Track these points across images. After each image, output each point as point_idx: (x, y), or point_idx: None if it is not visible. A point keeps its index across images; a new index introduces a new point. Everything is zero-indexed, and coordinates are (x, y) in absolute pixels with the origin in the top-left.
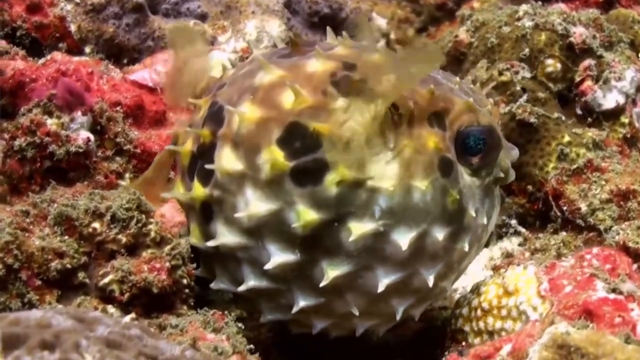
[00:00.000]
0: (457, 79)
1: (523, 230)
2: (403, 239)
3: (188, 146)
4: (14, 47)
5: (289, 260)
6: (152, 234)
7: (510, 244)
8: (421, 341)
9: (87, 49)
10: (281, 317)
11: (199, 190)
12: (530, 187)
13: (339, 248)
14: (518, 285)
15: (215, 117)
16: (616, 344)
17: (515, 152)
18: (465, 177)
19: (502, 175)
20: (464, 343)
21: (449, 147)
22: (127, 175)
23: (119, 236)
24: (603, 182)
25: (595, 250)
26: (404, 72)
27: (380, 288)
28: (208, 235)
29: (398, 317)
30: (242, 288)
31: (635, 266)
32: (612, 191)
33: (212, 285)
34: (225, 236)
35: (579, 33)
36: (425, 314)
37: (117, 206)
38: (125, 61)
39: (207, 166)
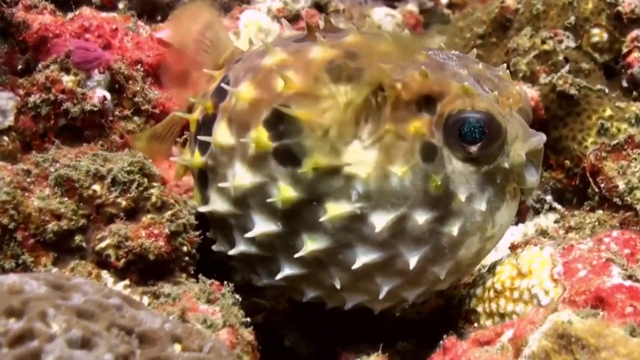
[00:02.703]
0: (481, 65)
1: (559, 206)
2: (379, 221)
3: (196, 114)
4: (43, 1)
5: (271, 230)
6: (153, 199)
7: (546, 220)
8: (438, 319)
9: (121, 5)
10: (273, 282)
11: (197, 158)
12: (568, 162)
13: (317, 224)
14: (532, 266)
15: (221, 90)
16: (619, 336)
17: (535, 140)
18: (455, 162)
19: (507, 165)
20: (475, 324)
21: (434, 132)
22: None
23: (119, 199)
24: None
25: (615, 233)
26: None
27: (357, 265)
28: (205, 200)
29: (381, 296)
30: (233, 252)
31: None
32: None
33: (214, 247)
34: (217, 203)
35: (628, 2)
36: (446, 290)
37: (118, 169)
38: (159, 18)
39: (202, 137)
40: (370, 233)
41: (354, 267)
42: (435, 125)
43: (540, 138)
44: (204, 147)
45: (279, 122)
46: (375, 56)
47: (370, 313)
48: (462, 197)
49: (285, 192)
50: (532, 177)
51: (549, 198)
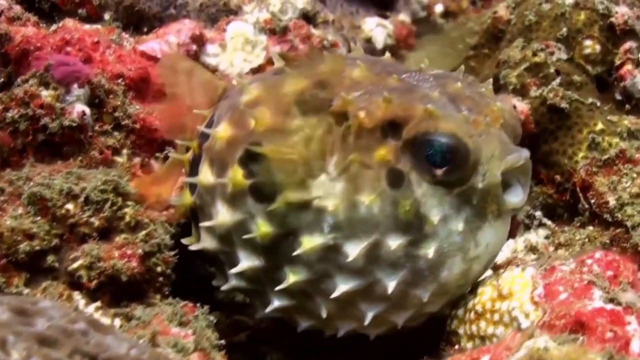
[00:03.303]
0: (460, 84)
1: (549, 222)
2: (352, 250)
3: (189, 154)
4: (26, 13)
5: (255, 265)
6: (127, 218)
7: (537, 236)
8: (423, 340)
9: (107, 16)
10: (268, 314)
11: (188, 198)
12: (558, 177)
13: (296, 257)
14: (513, 288)
15: (204, 131)
16: None
17: (512, 158)
18: (425, 186)
19: (481, 186)
20: (457, 346)
21: (400, 158)
22: (124, 151)
23: (92, 219)
24: (634, 175)
25: (597, 254)
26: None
27: (336, 294)
28: (198, 238)
29: (366, 322)
30: (225, 287)
31: None
32: None
33: (213, 283)
34: (206, 241)
35: (621, 13)
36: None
37: (91, 187)
38: (145, 30)
39: (186, 179)
40: (346, 262)
41: (334, 295)
42: (401, 150)
43: (518, 155)
44: (193, 186)
45: (251, 160)
46: (345, 84)
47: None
48: (435, 219)
49: (262, 227)
50: (515, 197)
51: (538, 214)
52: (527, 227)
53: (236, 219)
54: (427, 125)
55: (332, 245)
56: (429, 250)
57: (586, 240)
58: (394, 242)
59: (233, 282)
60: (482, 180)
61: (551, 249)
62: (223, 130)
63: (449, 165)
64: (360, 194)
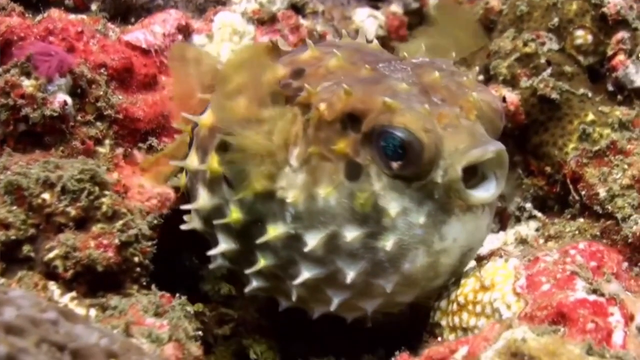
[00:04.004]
0: (438, 73)
1: (539, 214)
2: (311, 240)
3: (187, 139)
4: (12, 3)
5: (231, 248)
6: (104, 208)
7: (527, 228)
8: (408, 331)
9: (94, 6)
10: (251, 292)
11: (183, 180)
12: (549, 169)
13: (265, 243)
14: (495, 279)
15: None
16: (575, 355)
17: (476, 152)
18: (385, 179)
19: (439, 180)
20: (439, 338)
21: (359, 151)
22: (107, 142)
23: (68, 208)
24: (625, 166)
25: (581, 245)
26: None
27: (300, 280)
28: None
29: (332, 308)
30: (212, 265)
31: (626, 264)
32: (635, 176)
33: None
34: (194, 221)
35: (613, 3)
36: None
37: (68, 177)
38: (132, 20)
39: (174, 162)
40: (307, 251)
41: (297, 282)
42: (360, 143)
43: (483, 149)
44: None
45: (226, 148)
46: (320, 74)
47: (341, 324)
48: (393, 212)
49: (234, 214)
50: (485, 192)
51: (528, 206)
52: (518, 220)
53: (213, 203)
54: (383, 118)
55: (294, 235)
56: (388, 243)
57: (576, 232)
58: (350, 234)
59: (218, 261)
60: (443, 174)
61: (541, 241)
62: (206, 118)
63: (404, 159)
64: (318, 186)
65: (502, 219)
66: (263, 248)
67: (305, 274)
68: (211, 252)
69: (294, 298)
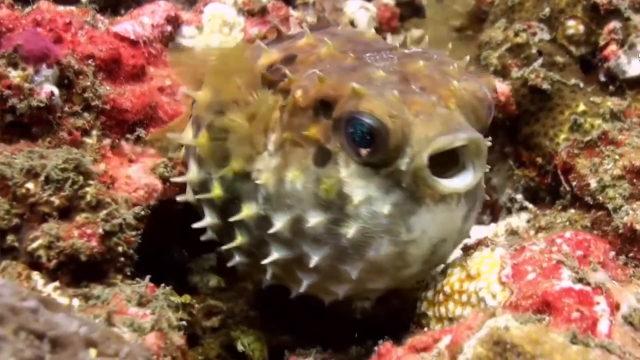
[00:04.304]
0: (423, 62)
1: (530, 205)
2: (278, 222)
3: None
4: None
5: (214, 222)
6: (88, 198)
7: (519, 219)
8: (396, 322)
9: None
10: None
11: (182, 153)
12: (540, 159)
13: (241, 221)
14: (481, 269)
15: None
16: (558, 343)
17: (442, 140)
18: (353, 166)
19: (404, 168)
20: (426, 329)
21: (330, 137)
22: (94, 132)
23: (52, 198)
24: (617, 157)
25: (568, 234)
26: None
27: (269, 259)
28: None
29: (302, 290)
30: (203, 237)
31: (613, 254)
32: (626, 167)
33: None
34: (189, 194)
35: None
36: (406, 292)
37: (52, 166)
38: (122, 12)
39: (171, 135)
40: (275, 232)
41: (267, 261)
42: (332, 130)
43: (452, 137)
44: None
45: (214, 126)
46: (310, 61)
47: (329, 316)
48: (356, 200)
49: (216, 190)
50: (455, 182)
51: (519, 197)
52: (509, 211)
53: (201, 177)
54: (351, 105)
55: (264, 216)
56: (350, 230)
57: (567, 223)
58: (314, 219)
59: (208, 234)
60: (409, 162)
61: (532, 232)
62: (203, 94)
63: (372, 146)
64: (287, 170)
65: (494, 211)
66: (239, 226)
67: (275, 254)
68: (197, 225)
69: (268, 276)
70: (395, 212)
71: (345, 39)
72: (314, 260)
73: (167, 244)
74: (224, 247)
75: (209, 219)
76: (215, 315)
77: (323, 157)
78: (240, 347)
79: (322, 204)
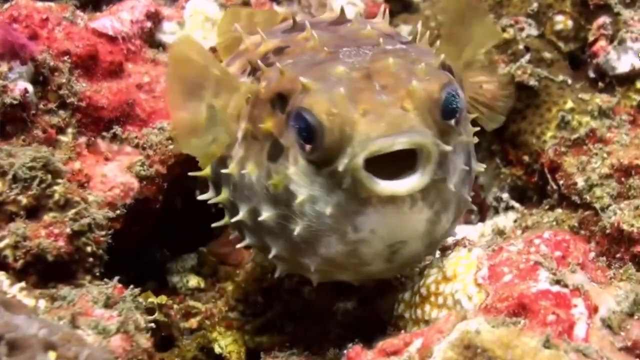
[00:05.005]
0: (392, 60)
1: (517, 205)
2: (241, 211)
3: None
4: None
5: (210, 197)
6: (56, 197)
7: (506, 219)
8: (376, 325)
9: None
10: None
11: None
12: (526, 158)
13: (222, 203)
14: (457, 270)
15: None
16: (530, 348)
17: (379, 142)
18: (301, 162)
19: (341, 168)
20: (403, 331)
21: (283, 132)
22: (69, 130)
23: (20, 197)
24: (605, 155)
25: (546, 234)
26: None
27: (241, 245)
28: None
29: (276, 275)
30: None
31: (593, 254)
32: (614, 165)
33: None
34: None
35: None
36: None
37: (19, 164)
38: (104, 8)
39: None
40: (239, 220)
41: (240, 245)
42: (285, 124)
43: (391, 140)
44: None
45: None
46: (295, 52)
47: (310, 317)
48: (300, 198)
49: (207, 169)
50: (395, 184)
51: (505, 196)
52: (496, 211)
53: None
54: (298, 99)
55: (232, 202)
56: (297, 227)
57: (554, 223)
58: (265, 213)
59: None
60: (348, 162)
61: (518, 232)
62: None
63: (312, 142)
64: (246, 162)
65: (482, 210)
66: (225, 206)
67: (247, 239)
68: (200, 197)
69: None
70: (338, 212)
71: (335, 34)
72: (273, 251)
73: (146, 243)
74: (218, 224)
75: (207, 194)
76: (194, 317)
77: (276, 152)
78: (217, 349)
79: (272, 199)
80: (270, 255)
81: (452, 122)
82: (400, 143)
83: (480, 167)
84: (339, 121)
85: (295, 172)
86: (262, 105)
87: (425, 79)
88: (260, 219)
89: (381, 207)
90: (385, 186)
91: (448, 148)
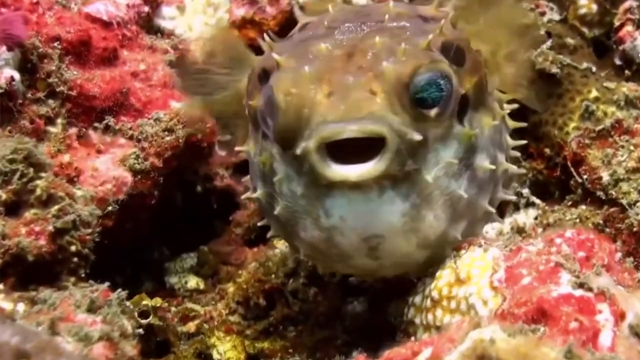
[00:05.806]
0: (379, 39)
1: (538, 201)
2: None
3: None
4: None
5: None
6: (38, 192)
7: (525, 216)
8: (387, 330)
9: None
10: None
11: None
12: (548, 150)
13: None
14: (471, 272)
15: None
16: (550, 359)
17: (329, 128)
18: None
19: (297, 152)
20: (413, 338)
21: None
22: (59, 121)
23: None
24: (632, 148)
25: (569, 233)
26: None
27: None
28: None
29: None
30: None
31: (619, 255)
32: None
33: None
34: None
35: None
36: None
37: None
38: None
39: None
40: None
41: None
42: None
43: (342, 126)
44: None
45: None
46: (310, 28)
47: (316, 321)
48: (278, 177)
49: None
50: (348, 170)
51: (525, 191)
52: (517, 207)
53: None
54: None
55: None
56: (278, 207)
57: (577, 220)
58: (259, 190)
59: None
60: (304, 145)
61: (539, 230)
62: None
63: (272, 122)
64: (249, 140)
65: (501, 206)
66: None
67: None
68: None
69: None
70: (309, 193)
71: (358, 11)
72: (270, 232)
73: (142, 242)
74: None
75: None
76: (192, 320)
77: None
78: (216, 356)
79: (262, 177)
80: (268, 235)
81: (434, 111)
82: (350, 131)
83: (486, 165)
84: (296, 102)
85: (277, 151)
86: (254, 82)
87: (400, 60)
88: (256, 195)
89: (348, 192)
90: (337, 170)
91: (417, 137)
